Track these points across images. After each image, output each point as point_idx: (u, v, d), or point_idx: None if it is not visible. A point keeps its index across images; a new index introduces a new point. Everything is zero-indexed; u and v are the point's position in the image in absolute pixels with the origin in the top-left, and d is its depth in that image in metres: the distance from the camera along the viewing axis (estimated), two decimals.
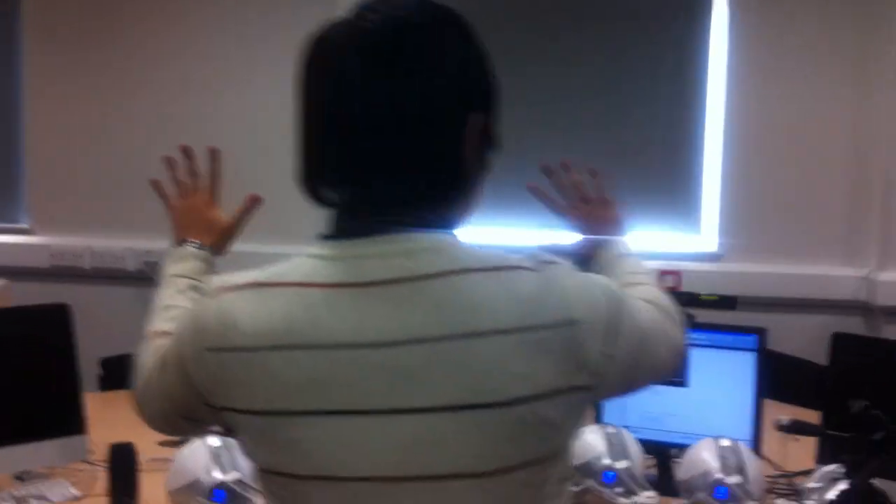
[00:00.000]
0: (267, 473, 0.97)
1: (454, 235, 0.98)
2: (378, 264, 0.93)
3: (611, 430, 1.89)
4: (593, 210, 1.48)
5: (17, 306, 1.98)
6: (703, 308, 2.18)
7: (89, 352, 2.19)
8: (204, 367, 0.97)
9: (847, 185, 3.47)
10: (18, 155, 3.95)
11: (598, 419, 2.07)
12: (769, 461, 2.10)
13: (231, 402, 0.96)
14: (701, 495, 1.77)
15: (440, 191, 0.98)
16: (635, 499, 1.69)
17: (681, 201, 3.76)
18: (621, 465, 1.80)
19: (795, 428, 1.42)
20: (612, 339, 0.96)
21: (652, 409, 2.08)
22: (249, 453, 0.98)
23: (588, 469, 1.83)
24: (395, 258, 0.93)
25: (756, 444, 2.00)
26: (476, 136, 0.98)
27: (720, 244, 3.72)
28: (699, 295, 2.25)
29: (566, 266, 0.98)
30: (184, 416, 1.06)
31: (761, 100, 3.53)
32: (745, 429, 1.99)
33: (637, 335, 1.02)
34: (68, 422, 1.94)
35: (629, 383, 1.05)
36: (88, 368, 2.34)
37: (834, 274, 3.45)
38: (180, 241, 1.39)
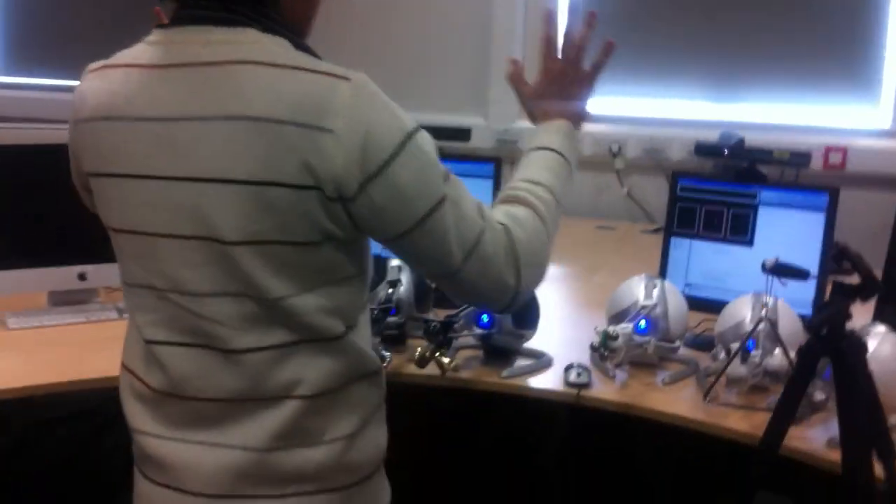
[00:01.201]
0: (106, 228, 1.17)
1: (265, 35, 1.06)
2: (180, 50, 1.08)
3: (654, 280, 1.87)
4: (567, 71, 1.35)
5: None
6: (776, 165, 2.07)
7: None
8: (73, 138, 1.19)
9: None
10: None
11: (661, 274, 2.05)
12: None
13: (85, 166, 1.16)
14: (727, 347, 1.74)
15: None
16: (634, 339, 1.70)
17: (858, 71, 3.48)
18: (650, 308, 1.79)
19: (778, 270, 1.37)
20: (371, 175, 1.02)
21: (715, 267, 2.04)
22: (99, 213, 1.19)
23: (623, 315, 1.83)
24: (193, 46, 1.07)
25: (817, 305, 1.92)
26: None
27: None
28: (772, 152, 2.14)
29: (368, 92, 1.03)
30: (83, 187, 1.26)
31: None
32: (808, 290, 1.92)
33: (416, 203, 1.06)
34: None
35: (403, 244, 1.09)
36: None
37: None
38: None
